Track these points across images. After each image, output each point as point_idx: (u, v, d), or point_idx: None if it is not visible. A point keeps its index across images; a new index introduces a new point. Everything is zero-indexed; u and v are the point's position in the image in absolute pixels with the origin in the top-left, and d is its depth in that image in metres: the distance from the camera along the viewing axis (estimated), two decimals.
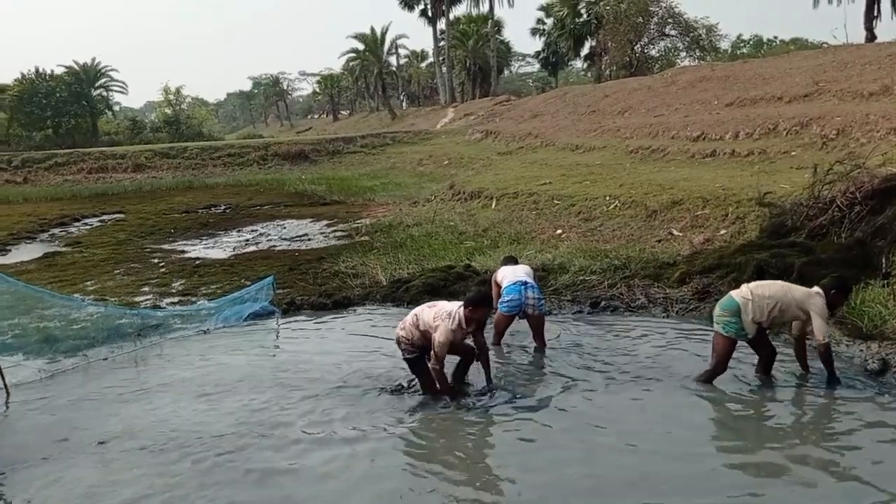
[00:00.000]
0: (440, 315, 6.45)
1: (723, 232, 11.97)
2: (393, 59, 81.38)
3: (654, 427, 5.98)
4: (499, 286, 8.29)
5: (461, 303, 6.55)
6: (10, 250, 18.24)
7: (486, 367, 6.91)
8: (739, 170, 16.66)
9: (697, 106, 27.37)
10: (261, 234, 18.76)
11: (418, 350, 6.67)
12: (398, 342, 6.80)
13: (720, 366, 6.65)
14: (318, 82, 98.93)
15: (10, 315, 9.37)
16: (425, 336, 6.54)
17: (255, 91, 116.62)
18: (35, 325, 9.63)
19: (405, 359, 6.82)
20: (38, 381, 7.96)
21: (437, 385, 6.59)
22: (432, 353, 6.44)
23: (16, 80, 61.51)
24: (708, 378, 6.70)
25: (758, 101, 24.29)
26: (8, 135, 60.27)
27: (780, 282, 6.88)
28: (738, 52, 67.26)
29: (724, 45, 58.50)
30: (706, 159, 19.35)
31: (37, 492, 5.51)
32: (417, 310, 6.78)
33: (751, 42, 79.00)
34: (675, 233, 12.59)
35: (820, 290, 6.44)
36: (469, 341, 6.82)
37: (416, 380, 6.91)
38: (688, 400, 6.48)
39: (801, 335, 6.81)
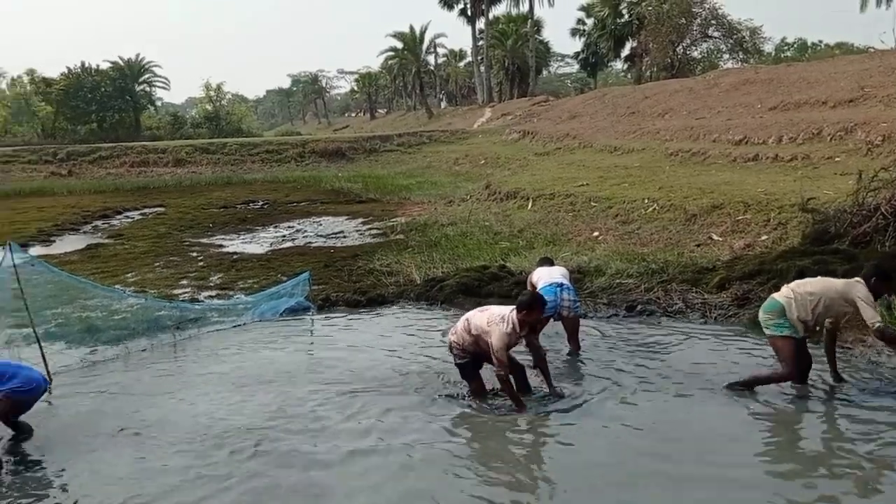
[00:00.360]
0: (493, 319, 6.37)
1: (764, 237, 11.78)
2: (431, 58, 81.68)
3: (688, 434, 5.90)
4: (534, 287, 8.25)
5: (513, 307, 6.45)
6: (54, 241, 18.61)
7: (546, 372, 6.77)
8: (782, 175, 16.38)
9: (740, 109, 26.98)
10: (297, 231, 18.91)
11: (469, 356, 6.64)
12: (450, 348, 6.78)
13: (789, 368, 6.39)
14: (357, 80, 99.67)
15: (53, 304, 9.58)
16: (477, 341, 6.49)
17: (294, 88, 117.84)
18: (77, 315, 9.82)
19: (456, 364, 6.79)
20: (79, 370, 8.12)
21: (506, 394, 6.45)
22: (494, 359, 6.35)
23: (62, 75, 62.92)
24: (771, 380, 6.52)
25: (802, 105, 23.87)
26: (54, 128, 61.69)
27: (819, 277, 6.73)
28: (782, 56, 66.34)
29: (768, 47, 57.73)
30: (748, 163, 19.06)
31: (75, 477, 5.63)
32: (469, 314, 6.73)
33: (795, 45, 77.84)
34: (715, 237, 12.41)
35: (860, 279, 6.29)
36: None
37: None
38: (725, 409, 6.34)
39: (833, 329, 6.63)
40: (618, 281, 10.63)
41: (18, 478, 5.65)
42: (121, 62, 68.01)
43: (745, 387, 6.57)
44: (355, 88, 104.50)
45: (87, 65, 64.60)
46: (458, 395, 6.88)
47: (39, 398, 6.42)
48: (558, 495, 5.09)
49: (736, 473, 5.22)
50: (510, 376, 6.40)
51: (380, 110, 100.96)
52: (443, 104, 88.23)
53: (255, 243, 17.28)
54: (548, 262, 8.86)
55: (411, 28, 72.91)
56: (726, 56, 52.96)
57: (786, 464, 5.41)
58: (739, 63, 48.72)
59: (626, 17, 58.21)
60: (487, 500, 5.05)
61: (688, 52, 53.16)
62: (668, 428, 6.02)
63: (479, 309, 6.77)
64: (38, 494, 5.39)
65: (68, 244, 17.98)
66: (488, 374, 6.73)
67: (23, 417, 6.33)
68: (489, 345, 6.32)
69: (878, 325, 6.10)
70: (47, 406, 6.82)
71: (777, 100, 25.91)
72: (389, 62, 79.33)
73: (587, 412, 6.41)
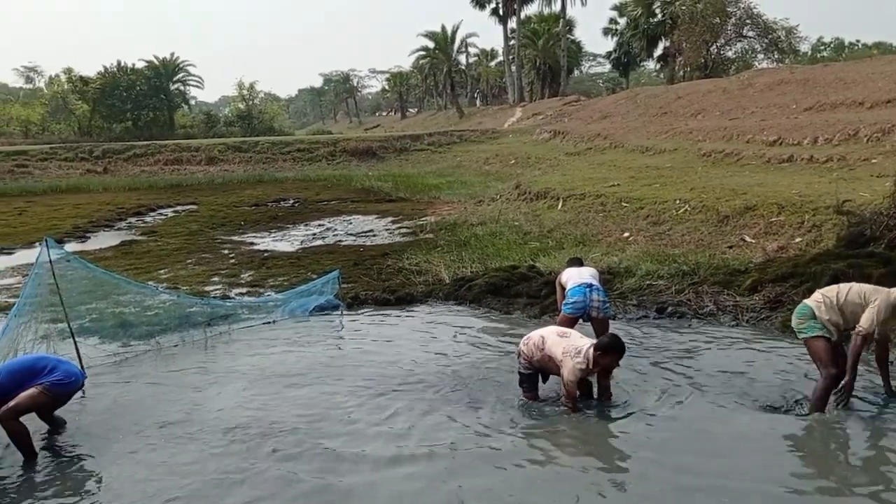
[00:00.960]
0: (569, 351, 6.35)
1: (798, 240, 11.61)
2: (462, 58, 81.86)
3: (723, 445, 5.76)
4: (563, 287, 8.21)
5: (592, 342, 6.43)
6: (89, 237, 18.91)
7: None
8: (817, 176, 16.14)
9: (775, 110, 26.66)
10: (327, 229, 19.01)
11: (533, 369, 6.70)
12: (518, 354, 6.80)
13: (827, 368, 6.13)
14: (388, 80, 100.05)
15: (88, 300, 9.72)
16: (544, 360, 6.52)
17: (326, 88, 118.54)
18: (111, 311, 9.96)
19: (519, 372, 6.81)
20: (112, 364, 8.24)
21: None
22: (563, 390, 6.43)
23: (98, 74, 63.85)
24: (825, 390, 6.15)
25: (838, 105, 23.53)
26: (90, 126, 62.68)
27: (853, 283, 6.57)
28: (819, 56, 65.33)
29: (804, 47, 56.92)
30: (782, 164, 18.81)
31: (106, 472, 5.72)
32: (545, 332, 6.74)
33: (832, 45, 76.62)
34: (748, 239, 12.26)
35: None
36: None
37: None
38: (758, 416, 6.22)
39: (884, 340, 6.38)
40: (648, 282, 10.54)
41: (52, 472, 5.75)
42: (156, 61, 68.91)
43: (818, 409, 6.17)
44: (386, 88, 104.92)
45: (122, 64, 65.61)
46: (496, 397, 6.85)
47: (76, 392, 6.50)
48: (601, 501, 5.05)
49: (769, 488, 5.09)
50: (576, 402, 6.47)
51: (410, 109, 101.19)
52: (477, 103, 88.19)
53: (285, 241, 17.41)
54: (577, 262, 8.80)
55: (443, 27, 73.02)
56: (761, 56, 52.39)
57: (821, 480, 5.26)
58: (774, 63, 48.14)
59: (660, 16, 57.74)
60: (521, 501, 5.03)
61: (722, 52, 52.63)
62: (701, 440, 5.87)
63: (557, 331, 6.75)
64: (73, 489, 5.48)
65: (103, 240, 18.26)
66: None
67: (58, 412, 6.44)
68: (561, 375, 6.39)
69: (861, 331, 5.96)
70: (80, 400, 6.91)
71: (813, 100, 25.56)
72: (421, 61, 79.45)
73: (618, 416, 6.36)
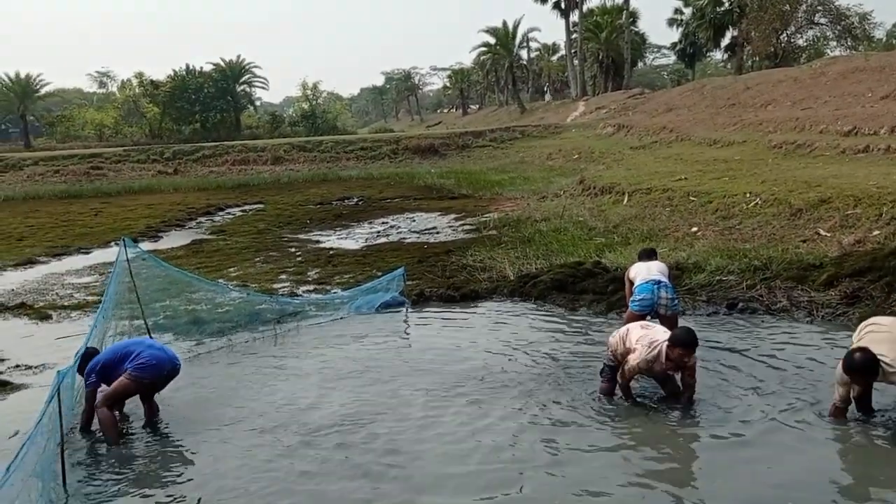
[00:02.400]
0: (643, 341, 6.31)
1: (876, 233, 11.19)
2: (524, 53, 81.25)
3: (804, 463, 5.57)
4: (631, 283, 8.09)
5: (669, 336, 6.34)
6: (161, 237, 19.45)
7: (687, 403, 6.50)
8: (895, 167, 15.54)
9: (849, 99, 25.80)
10: (391, 227, 19.14)
11: (616, 362, 6.64)
12: (607, 346, 6.79)
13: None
14: (449, 77, 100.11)
15: (162, 297, 10.00)
16: (627, 352, 6.47)
17: (388, 86, 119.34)
18: (184, 308, 10.22)
19: (604, 363, 6.81)
20: (187, 360, 8.44)
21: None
22: (620, 371, 6.43)
23: (168, 77, 65.62)
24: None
25: None
26: (161, 128, 64.49)
27: None
28: (894, 42, 62.84)
29: (879, 33, 54.91)
30: (858, 155, 18.16)
31: (185, 463, 5.89)
32: (633, 325, 6.75)
33: None
34: (823, 233, 11.87)
35: None
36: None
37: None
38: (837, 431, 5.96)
39: None
40: (718, 278, 10.31)
41: (123, 465, 5.93)
42: (222, 63, 70.46)
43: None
44: (448, 84, 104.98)
45: (191, 67, 67.27)
46: (564, 393, 6.82)
47: (171, 377, 6.65)
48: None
49: None
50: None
51: (472, 106, 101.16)
52: (546, 96, 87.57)
53: (350, 239, 17.60)
54: (649, 254, 8.59)
55: (504, 23, 72.79)
56: (833, 43, 50.73)
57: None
58: (848, 50, 46.50)
59: (727, 4, 56.24)
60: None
61: (792, 41, 51.10)
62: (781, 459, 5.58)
63: (642, 323, 6.77)
64: (153, 480, 5.65)
65: (174, 240, 18.75)
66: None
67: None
68: (626, 360, 6.36)
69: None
70: (157, 396, 7.14)
71: (889, 88, 24.66)
72: (482, 58, 79.29)
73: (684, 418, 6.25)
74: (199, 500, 5.28)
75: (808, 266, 10.20)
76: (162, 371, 6.50)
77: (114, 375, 6.36)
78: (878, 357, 5.46)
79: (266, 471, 5.61)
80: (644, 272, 7.97)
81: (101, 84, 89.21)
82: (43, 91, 70.92)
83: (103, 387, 6.41)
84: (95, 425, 6.38)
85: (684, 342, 6.13)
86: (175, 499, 5.31)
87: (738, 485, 5.11)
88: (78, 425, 6.44)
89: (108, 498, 5.36)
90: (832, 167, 16.82)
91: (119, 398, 6.45)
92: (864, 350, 5.55)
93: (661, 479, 5.23)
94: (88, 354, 6.56)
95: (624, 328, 6.72)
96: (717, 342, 8.09)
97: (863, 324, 6.10)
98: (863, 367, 5.50)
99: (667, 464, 5.50)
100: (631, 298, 7.91)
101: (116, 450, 6.10)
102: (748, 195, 14.54)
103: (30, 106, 68.68)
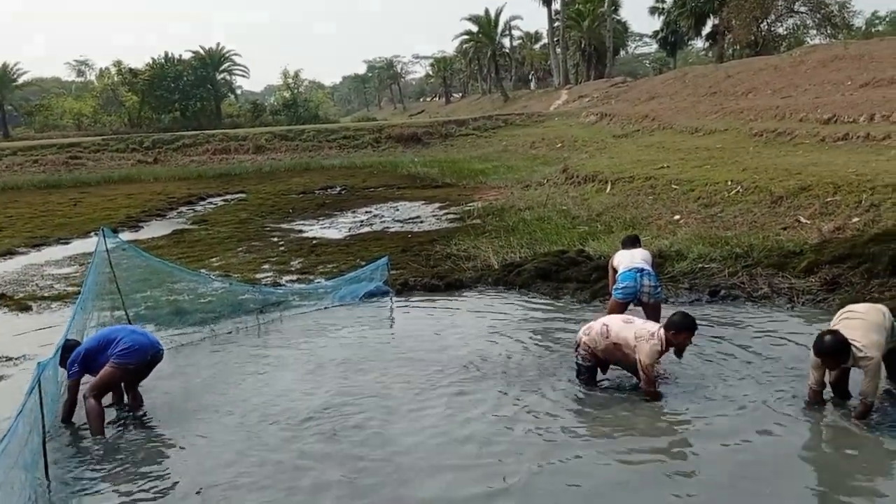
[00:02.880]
0: (642, 335, 6.29)
1: (855, 220, 11.29)
2: (506, 41, 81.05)
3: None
4: (615, 271, 8.11)
5: (661, 324, 6.43)
6: (142, 227, 19.30)
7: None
8: (874, 154, 15.67)
9: (829, 87, 25.98)
10: (375, 216, 19.09)
11: (593, 360, 6.66)
12: (577, 346, 6.74)
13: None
14: (432, 65, 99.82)
15: (143, 288, 9.93)
16: (614, 350, 6.46)
17: (370, 74, 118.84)
18: (166, 298, 10.14)
19: (578, 364, 6.76)
20: (169, 351, 8.37)
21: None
22: (642, 374, 6.31)
23: (147, 65, 64.95)
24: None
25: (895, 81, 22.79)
26: (140, 117, 63.86)
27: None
28: (874, 30, 63.35)
29: (859, 22, 55.27)
30: (838, 143, 18.31)
31: (165, 455, 5.86)
32: (607, 320, 6.70)
33: (887, 19, 74.20)
34: (803, 220, 11.97)
35: None
36: None
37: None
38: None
39: None
40: (700, 265, 10.38)
41: (107, 456, 5.89)
42: (202, 51, 69.79)
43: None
44: (430, 73, 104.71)
45: (170, 55, 66.56)
46: (555, 386, 6.81)
47: (154, 363, 6.64)
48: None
49: None
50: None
51: (455, 94, 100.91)
52: (533, 85, 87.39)
53: (333, 228, 17.54)
54: (632, 241, 8.56)
55: (486, 11, 72.43)
56: (813, 32, 50.96)
57: None
58: (827, 39, 46.76)
59: None
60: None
61: (772, 29, 51.34)
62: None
63: (621, 318, 6.75)
64: (129, 473, 5.61)
65: (155, 230, 18.61)
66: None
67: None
68: (637, 360, 6.28)
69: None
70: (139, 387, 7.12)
71: (868, 76, 24.84)
72: (465, 46, 79.02)
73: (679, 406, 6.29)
74: (184, 492, 5.26)
75: (788, 253, 10.30)
76: (145, 356, 6.48)
77: (96, 364, 6.35)
78: (850, 341, 5.53)
79: (251, 464, 5.58)
80: (627, 260, 8.00)
81: (80, 73, 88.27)
82: (21, 80, 69.95)
83: (87, 377, 6.39)
84: (78, 418, 6.34)
85: (690, 325, 6.27)
86: (158, 491, 5.29)
87: (721, 469, 5.17)
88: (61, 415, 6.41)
89: (91, 489, 5.33)
90: (812, 155, 16.95)
91: (106, 387, 6.43)
92: (834, 333, 5.63)
93: (648, 465, 5.28)
94: (69, 347, 6.51)
95: (599, 324, 6.63)
96: (699, 330, 8.13)
97: (840, 311, 6.17)
98: (832, 350, 5.58)
99: (654, 450, 5.51)
100: (614, 286, 7.94)
101: (100, 440, 6.07)
102: (730, 183, 14.63)
103: (7, 95, 67.70)
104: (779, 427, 5.69)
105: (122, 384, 6.61)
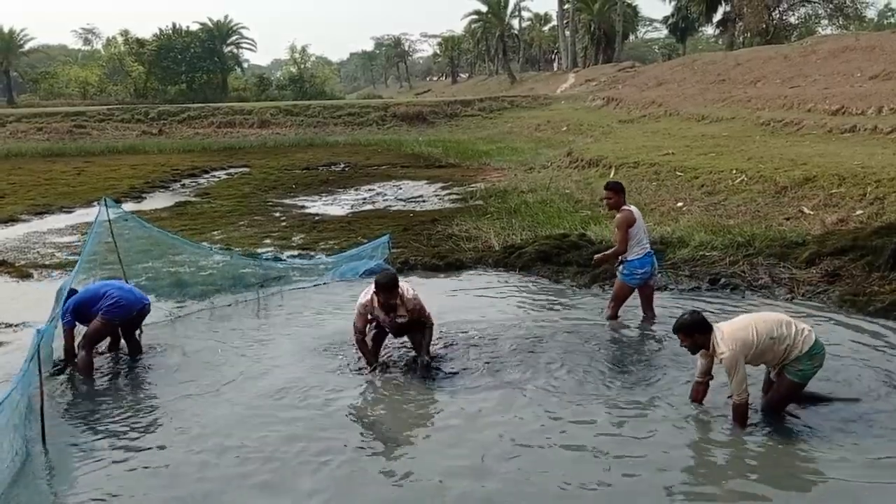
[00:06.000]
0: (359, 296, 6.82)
1: (859, 212, 11.27)
2: (515, 22, 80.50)
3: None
4: (627, 237, 7.72)
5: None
6: (145, 198, 19.28)
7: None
8: (881, 147, 15.61)
9: (838, 78, 25.83)
10: (377, 194, 19.08)
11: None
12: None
13: None
14: (440, 44, 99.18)
15: (144, 259, 9.93)
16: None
17: (377, 52, 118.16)
18: (167, 270, 10.16)
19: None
20: (168, 322, 8.43)
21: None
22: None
23: (154, 36, 64.62)
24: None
25: None
26: (146, 88, 63.63)
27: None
28: (886, 22, 62.87)
29: (871, 13, 54.83)
30: (845, 134, 18.24)
31: (157, 428, 5.87)
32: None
33: None
34: (806, 211, 11.95)
35: None
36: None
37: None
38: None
39: None
40: (701, 253, 10.36)
41: (102, 422, 5.93)
42: (210, 23, 69.48)
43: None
44: (438, 52, 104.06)
45: (177, 26, 66.22)
46: (551, 370, 6.84)
47: (142, 316, 7.20)
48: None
49: None
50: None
51: (462, 74, 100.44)
52: (541, 67, 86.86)
53: (336, 205, 17.53)
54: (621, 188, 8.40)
55: None
56: (825, 22, 50.70)
57: None
58: (839, 29, 46.48)
59: None
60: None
61: (784, 18, 51.05)
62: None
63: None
64: (121, 445, 5.63)
65: (158, 201, 18.60)
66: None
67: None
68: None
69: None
70: (137, 358, 7.17)
71: (878, 68, 24.69)
72: (473, 26, 78.64)
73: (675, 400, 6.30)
74: (178, 461, 5.29)
75: (790, 244, 10.28)
76: (131, 311, 6.98)
77: (87, 316, 6.79)
78: (714, 329, 5.43)
79: (245, 438, 5.58)
80: (643, 235, 7.81)
81: (86, 41, 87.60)
82: (27, 46, 69.69)
83: (79, 326, 6.84)
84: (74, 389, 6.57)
85: (391, 288, 6.66)
86: (153, 456, 5.32)
87: (708, 459, 5.19)
88: (59, 369, 6.84)
89: (85, 457, 5.35)
90: (818, 146, 16.89)
91: (95, 340, 6.93)
92: (695, 313, 5.61)
93: (644, 455, 5.30)
94: (72, 292, 6.98)
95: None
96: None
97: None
98: (680, 326, 5.51)
99: (650, 439, 5.54)
100: (630, 272, 7.74)
101: (96, 407, 6.13)
102: (734, 172, 14.59)
103: (13, 61, 67.49)
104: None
105: (121, 332, 7.14)
